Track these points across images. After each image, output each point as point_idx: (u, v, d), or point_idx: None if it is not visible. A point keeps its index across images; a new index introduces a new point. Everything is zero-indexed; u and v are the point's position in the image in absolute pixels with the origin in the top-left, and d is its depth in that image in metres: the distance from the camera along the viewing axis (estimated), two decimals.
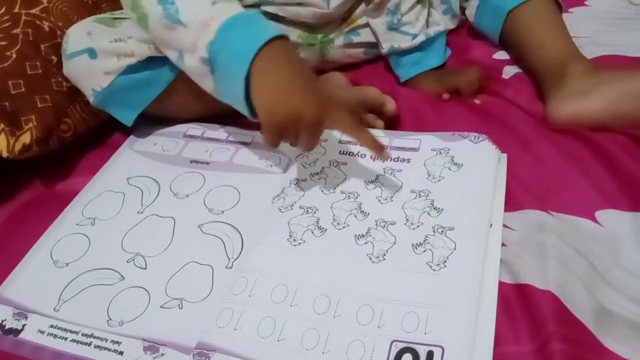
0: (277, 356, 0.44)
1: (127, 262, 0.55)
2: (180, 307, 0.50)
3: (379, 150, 0.53)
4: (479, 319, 0.44)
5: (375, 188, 0.57)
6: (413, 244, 0.50)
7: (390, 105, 0.66)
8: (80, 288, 0.53)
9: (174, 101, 0.67)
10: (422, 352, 0.42)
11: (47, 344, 0.49)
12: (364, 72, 0.81)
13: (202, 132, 0.69)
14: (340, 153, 0.62)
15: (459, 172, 0.56)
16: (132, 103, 0.66)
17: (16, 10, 0.67)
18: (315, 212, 0.55)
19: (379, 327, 0.44)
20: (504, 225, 0.52)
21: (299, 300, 0.47)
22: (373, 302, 0.46)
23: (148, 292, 0.52)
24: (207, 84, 0.56)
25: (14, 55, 0.65)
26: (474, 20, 0.81)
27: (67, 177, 0.68)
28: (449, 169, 0.57)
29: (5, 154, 0.61)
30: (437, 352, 0.42)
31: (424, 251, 0.49)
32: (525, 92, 0.71)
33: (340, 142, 0.63)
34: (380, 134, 0.63)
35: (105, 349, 0.47)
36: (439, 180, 0.56)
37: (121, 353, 0.47)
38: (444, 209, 0.53)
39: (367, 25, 0.78)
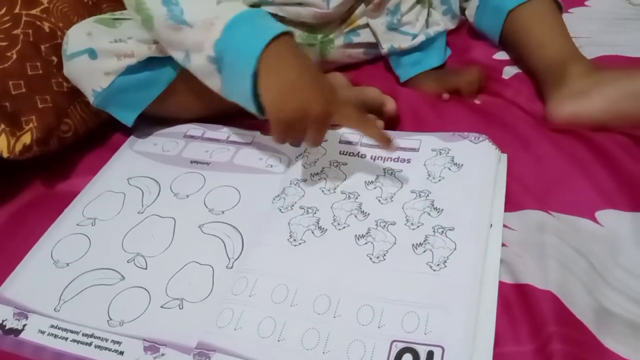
0: (278, 356, 0.44)
1: (128, 262, 0.55)
2: (181, 307, 0.50)
3: (386, 143, 0.54)
4: (479, 319, 0.44)
5: (375, 188, 0.57)
6: (413, 244, 0.50)
7: (390, 105, 0.67)
8: (81, 288, 0.53)
9: (174, 101, 0.67)
10: (422, 352, 0.42)
11: (47, 344, 0.49)
12: (364, 72, 0.81)
13: (202, 133, 0.69)
14: (340, 153, 0.62)
15: (459, 173, 0.56)
16: (132, 103, 0.66)
17: (17, 10, 0.67)
18: (315, 212, 0.55)
19: (379, 327, 0.44)
20: (504, 226, 0.52)
21: (299, 300, 0.47)
22: (373, 302, 0.46)
23: (148, 292, 0.52)
24: (214, 83, 0.56)
25: (15, 56, 0.65)
26: (473, 21, 0.81)
27: (67, 177, 0.68)
28: (449, 169, 0.57)
29: (5, 155, 0.61)
30: (437, 352, 0.42)
31: (424, 251, 0.49)
32: (525, 92, 0.71)
33: (340, 142, 0.63)
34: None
35: (106, 349, 0.48)
36: (439, 180, 0.56)
37: (121, 353, 0.47)
38: (444, 209, 0.53)
39: (367, 25, 0.78)
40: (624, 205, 0.53)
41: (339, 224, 0.54)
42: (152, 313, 0.50)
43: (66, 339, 0.49)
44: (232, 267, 0.53)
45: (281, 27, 0.52)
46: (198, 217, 0.58)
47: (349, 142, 0.63)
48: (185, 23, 0.54)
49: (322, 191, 0.58)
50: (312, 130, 0.53)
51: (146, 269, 0.54)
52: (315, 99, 0.51)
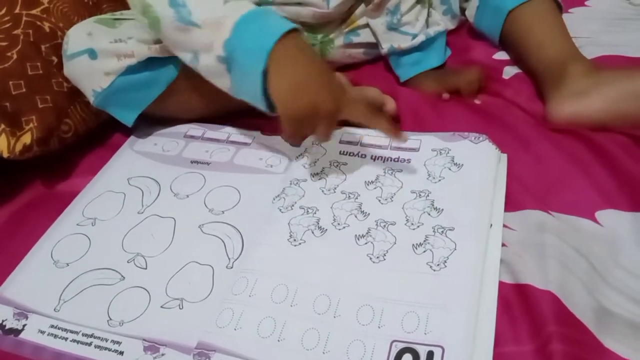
0: (278, 356, 0.44)
1: (128, 262, 0.55)
2: (181, 307, 0.50)
3: (396, 134, 0.55)
4: (479, 319, 0.44)
5: (375, 188, 0.57)
6: (413, 244, 0.50)
7: (390, 105, 0.67)
8: (81, 288, 0.53)
9: (174, 101, 0.67)
10: (422, 352, 0.42)
11: (47, 344, 0.49)
12: (364, 72, 0.80)
13: (202, 133, 0.69)
14: (340, 153, 0.62)
15: (459, 173, 0.56)
16: (132, 103, 0.66)
17: (17, 11, 0.67)
18: (315, 213, 0.55)
19: (379, 327, 0.44)
20: (504, 226, 0.52)
21: (299, 300, 0.47)
22: (373, 302, 0.46)
23: (148, 292, 0.52)
24: (223, 82, 0.56)
25: (15, 56, 0.65)
26: (473, 21, 0.81)
27: (67, 177, 0.68)
28: (449, 169, 0.57)
29: (5, 155, 0.61)
30: (437, 352, 0.42)
31: (424, 251, 0.49)
32: (525, 92, 0.71)
33: (340, 142, 0.63)
34: (380, 135, 0.63)
35: (106, 349, 0.48)
36: (439, 180, 0.56)
37: (121, 353, 0.47)
38: (444, 209, 0.53)
39: (367, 25, 0.78)
40: (624, 205, 0.53)
41: (339, 224, 0.54)
42: (152, 313, 0.50)
43: (66, 339, 0.49)
44: (232, 267, 0.53)
45: (289, 24, 0.52)
46: (198, 217, 0.58)
47: (349, 142, 0.63)
48: (193, 24, 0.54)
49: (322, 191, 0.58)
50: (322, 126, 0.53)
51: (146, 269, 0.54)
52: (325, 94, 0.52)
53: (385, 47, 0.77)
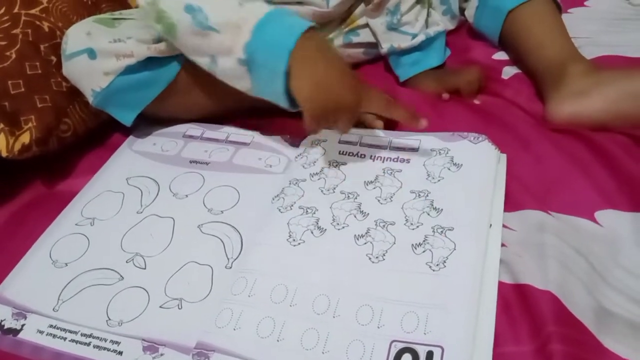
0: (277, 356, 0.44)
1: (127, 262, 0.55)
2: (180, 307, 0.50)
3: (416, 121, 0.57)
4: (478, 319, 0.44)
5: (374, 188, 0.57)
6: (413, 244, 0.50)
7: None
8: (80, 288, 0.53)
9: (174, 101, 0.67)
10: (422, 352, 0.42)
11: (46, 343, 0.49)
12: (364, 72, 0.80)
13: (201, 133, 0.69)
14: (340, 153, 0.62)
15: (459, 173, 0.56)
16: (131, 103, 0.66)
17: (16, 10, 0.67)
18: (314, 212, 0.55)
19: (378, 327, 0.44)
20: (504, 226, 0.52)
21: (298, 300, 0.47)
22: (373, 302, 0.46)
23: (147, 292, 0.51)
24: (243, 84, 0.57)
25: (14, 56, 0.65)
26: (473, 21, 0.81)
27: (66, 177, 0.68)
28: (449, 169, 0.57)
29: (4, 154, 0.61)
30: (436, 352, 0.42)
31: (424, 251, 0.49)
32: (525, 92, 0.71)
33: (340, 142, 0.63)
34: (380, 135, 0.63)
35: (105, 349, 0.47)
36: (439, 180, 0.56)
37: (120, 353, 0.47)
38: (444, 209, 0.53)
39: (366, 25, 0.78)
40: (624, 205, 0.53)
41: (338, 224, 0.54)
42: (151, 313, 0.50)
43: (65, 338, 0.49)
44: (231, 267, 0.53)
45: (307, 23, 0.53)
46: (197, 217, 0.58)
47: (349, 142, 0.63)
48: (211, 28, 0.54)
49: (322, 191, 0.58)
50: (344, 119, 0.55)
51: (145, 268, 0.54)
52: (346, 89, 0.54)
53: (385, 47, 0.77)
